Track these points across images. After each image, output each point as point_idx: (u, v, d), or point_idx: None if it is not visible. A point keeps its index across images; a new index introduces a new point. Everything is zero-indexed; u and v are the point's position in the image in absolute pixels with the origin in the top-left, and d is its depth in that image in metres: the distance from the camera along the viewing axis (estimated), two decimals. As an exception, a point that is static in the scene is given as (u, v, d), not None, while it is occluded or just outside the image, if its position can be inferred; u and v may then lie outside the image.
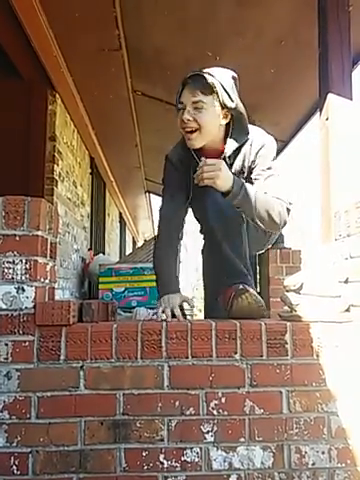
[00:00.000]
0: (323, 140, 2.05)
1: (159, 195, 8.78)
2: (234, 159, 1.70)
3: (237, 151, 1.68)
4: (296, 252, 3.58)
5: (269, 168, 1.66)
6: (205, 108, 1.62)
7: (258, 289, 4.10)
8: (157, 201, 9.82)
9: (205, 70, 1.69)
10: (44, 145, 3.39)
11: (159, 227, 1.83)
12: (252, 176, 1.69)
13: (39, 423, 1.47)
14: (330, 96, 2.05)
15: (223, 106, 1.63)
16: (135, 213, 10.35)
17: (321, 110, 2.10)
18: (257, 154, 1.67)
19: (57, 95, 3.61)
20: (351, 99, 2.06)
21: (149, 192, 8.55)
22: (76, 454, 1.47)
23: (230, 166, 1.66)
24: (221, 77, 1.64)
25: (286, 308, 1.73)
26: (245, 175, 1.70)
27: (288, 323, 1.57)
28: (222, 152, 1.69)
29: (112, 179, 6.59)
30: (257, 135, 1.71)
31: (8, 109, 3.35)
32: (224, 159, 1.65)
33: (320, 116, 2.13)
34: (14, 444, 1.46)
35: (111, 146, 5.36)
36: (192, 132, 1.65)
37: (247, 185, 1.56)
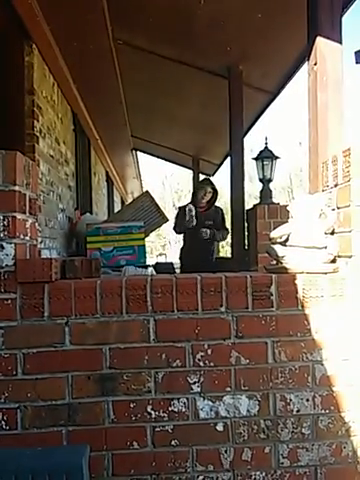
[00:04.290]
0: (311, 87, 1.96)
1: (145, 152, 8.65)
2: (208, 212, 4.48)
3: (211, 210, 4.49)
4: (284, 207, 3.56)
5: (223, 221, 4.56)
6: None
7: (246, 245, 4.11)
8: (145, 159, 9.62)
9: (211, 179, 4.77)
10: (22, 99, 3.23)
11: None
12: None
13: (26, 379, 1.48)
14: (319, 40, 1.95)
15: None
16: (123, 172, 10.16)
17: (309, 55, 2.00)
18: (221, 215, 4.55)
19: (34, 46, 3.40)
20: (340, 43, 1.96)
21: (136, 149, 8.35)
22: (64, 408, 1.49)
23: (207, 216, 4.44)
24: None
25: (273, 262, 1.72)
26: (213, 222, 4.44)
27: (273, 275, 1.56)
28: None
29: (97, 136, 6.40)
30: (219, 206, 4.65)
31: (-19, 61, 3.17)
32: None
33: (308, 62, 2.03)
34: (1, 400, 1.47)
35: (94, 101, 5.16)
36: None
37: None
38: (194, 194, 4.66)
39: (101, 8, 3.27)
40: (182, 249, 4.80)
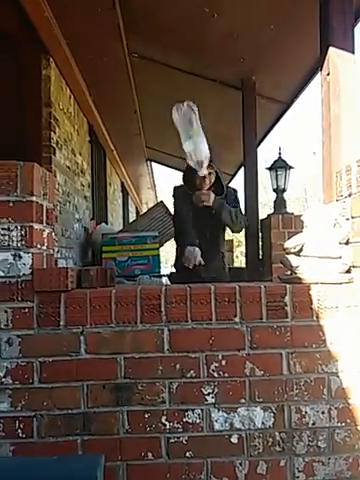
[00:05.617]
0: (324, 97, 1.97)
1: (160, 162, 8.70)
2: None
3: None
4: (298, 217, 3.55)
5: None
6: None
7: (260, 255, 4.09)
8: (159, 169, 9.71)
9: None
10: (40, 112, 3.31)
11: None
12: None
13: (42, 387, 1.49)
14: (331, 50, 1.95)
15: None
16: (137, 182, 10.25)
17: (322, 65, 2.01)
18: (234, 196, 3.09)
19: (51, 59, 3.49)
20: (353, 53, 1.97)
21: (150, 160, 8.42)
22: (79, 417, 1.50)
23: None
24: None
25: (288, 272, 1.72)
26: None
27: (288, 285, 1.56)
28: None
29: (112, 147, 6.48)
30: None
31: None
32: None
33: (321, 72, 2.04)
34: (18, 408, 1.48)
35: (109, 112, 5.24)
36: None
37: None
38: (188, 184, 2.96)
39: (116, 22, 3.34)
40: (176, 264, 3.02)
